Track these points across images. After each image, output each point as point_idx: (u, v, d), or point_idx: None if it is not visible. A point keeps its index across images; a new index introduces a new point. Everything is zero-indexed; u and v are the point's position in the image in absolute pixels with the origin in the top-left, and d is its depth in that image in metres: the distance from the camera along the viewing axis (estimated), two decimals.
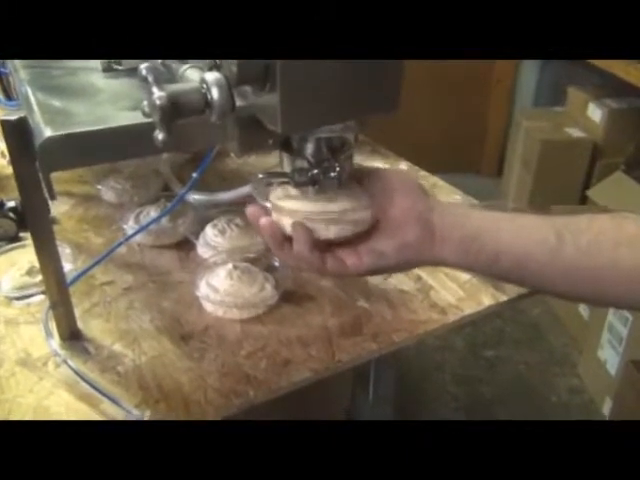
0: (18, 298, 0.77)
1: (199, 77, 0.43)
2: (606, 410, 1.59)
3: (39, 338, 0.70)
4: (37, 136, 0.51)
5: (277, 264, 0.81)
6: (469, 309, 0.77)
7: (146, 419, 0.59)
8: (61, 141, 0.50)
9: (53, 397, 0.63)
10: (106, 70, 0.64)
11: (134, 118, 0.51)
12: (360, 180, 0.53)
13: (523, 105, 2.59)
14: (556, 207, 1.89)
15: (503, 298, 0.78)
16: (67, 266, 0.79)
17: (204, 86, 0.42)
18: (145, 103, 0.43)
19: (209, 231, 0.86)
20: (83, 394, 0.63)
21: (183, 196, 0.81)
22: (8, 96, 0.98)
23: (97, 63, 0.64)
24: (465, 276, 0.82)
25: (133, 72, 0.50)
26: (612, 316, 1.57)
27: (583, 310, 1.81)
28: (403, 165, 1.14)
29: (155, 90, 0.42)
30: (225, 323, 0.73)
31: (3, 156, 1.01)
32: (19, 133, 0.54)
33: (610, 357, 1.58)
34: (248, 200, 0.54)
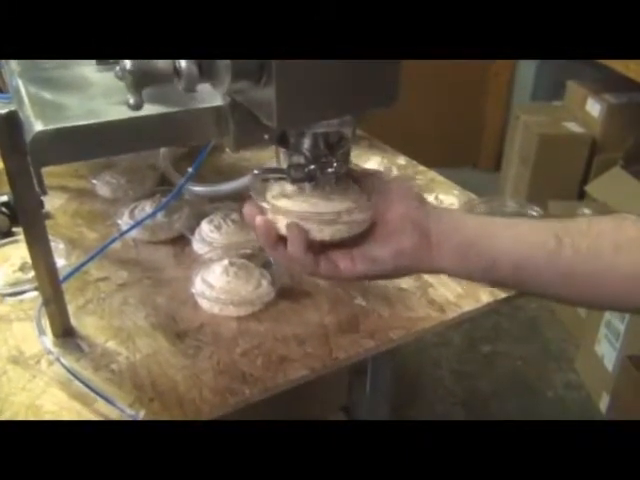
0: (10, 294, 0.76)
1: None
2: (603, 406, 1.59)
3: (32, 335, 0.69)
4: (27, 130, 0.50)
5: (273, 260, 0.80)
6: (467, 306, 0.76)
7: (141, 419, 0.58)
8: (52, 135, 0.49)
9: (46, 395, 0.62)
10: (99, 63, 0.63)
11: (127, 112, 0.50)
12: (357, 182, 0.52)
13: (521, 99, 2.57)
14: (554, 202, 1.89)
15: (501, 295, 0.77)
16: (60, 262, 0.78)
17: None
18: (117, 68, 0.44)
19: (205, 227, 0.85)
20: (76, 392, 0.62)
21: (179, 191, 0.80)
22: (0, 89, 0.97)
23: None
24: None
25: None
26: (609, 312, 1.56)
27: None
28: (401, 159, 1.13)
29: None
30: (221, 320, 0.73)
31: None
32: (9, 127, 0.53)
33: (607, 352, 1.58)
34: (247, 194, 0.53)
